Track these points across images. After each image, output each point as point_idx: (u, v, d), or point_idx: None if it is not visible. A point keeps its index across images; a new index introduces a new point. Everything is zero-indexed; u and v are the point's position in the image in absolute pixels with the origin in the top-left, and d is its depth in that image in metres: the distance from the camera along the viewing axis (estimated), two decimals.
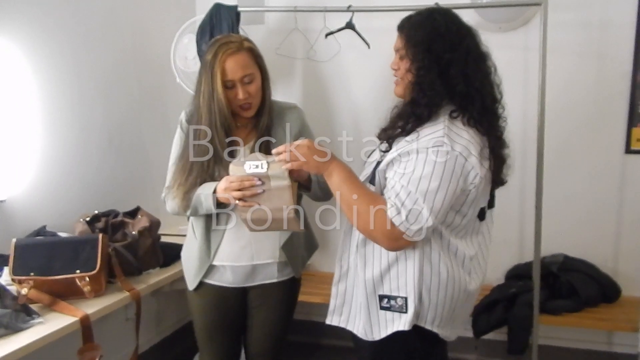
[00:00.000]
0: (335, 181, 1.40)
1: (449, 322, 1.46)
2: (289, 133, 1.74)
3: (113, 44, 2.46)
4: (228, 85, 1.62)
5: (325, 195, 1.74)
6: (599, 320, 2.36)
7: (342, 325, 1.54)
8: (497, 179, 1.46)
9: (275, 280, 1.79)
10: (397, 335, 1.43)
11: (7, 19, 1.97)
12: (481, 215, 1.47)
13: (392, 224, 1.29)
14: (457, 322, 1.51)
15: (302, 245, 1.85)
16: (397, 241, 1.32)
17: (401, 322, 1.41)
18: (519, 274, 2.57)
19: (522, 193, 2.61)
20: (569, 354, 2.63)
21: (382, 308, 1.44)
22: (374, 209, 1.32)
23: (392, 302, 1.42)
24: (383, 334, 1.45)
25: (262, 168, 1.49)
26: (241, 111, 1.67)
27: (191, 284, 1.80)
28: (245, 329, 1.89)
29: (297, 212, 1.53)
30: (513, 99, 2.46)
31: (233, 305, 1.82)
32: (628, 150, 2.47)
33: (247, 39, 1.69)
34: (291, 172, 1.51)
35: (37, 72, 2.10)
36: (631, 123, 2.45)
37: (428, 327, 1.43)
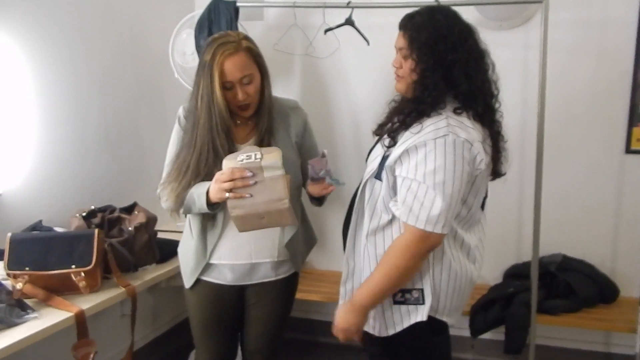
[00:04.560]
0: (369, 305, 1.45)
1: (457, 310, 1.51)
2: (292, 135, 1.74)
3: (111, 38, 2.44)
4: (227, 87, 1.60)
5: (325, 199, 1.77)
6: (597, 320, 2.36)
7: None
8: (496, 170, 1.50)
9: (273, 278, 1.78)
10: (409, 327, 1.46)
11: (3, 13, 1.95)
12: (482, 205, 1.53)
13: (412, 231, 1.33)
14: (461, 309, 1.55)
15: (302, 241, 1.84)
16: (429, 238, 1.35)
17: (418, 314, 1.45)
18: (516, 274, 2.57)
19: (521, 192, 2.60)
20: (566, 354, 2.63)
21: (395, 302, 1.46)
22: (398, 249, 1.37)
23: (407, 295, 1.45)
24: (398, 328, 1.47)
25: (255, 158, 1.47)
26: (240, 111, 1.66)
27: (188, 282, 1.79)
28: (242, 326, 1.88)
29: (290, 204, 1.50)
30: (513, 97, 2.49)
31: (230, 302, 1.81)
32: (628, 150, 2.45)
33: (245, 37, 1.66)
34: (310, 187, 1.54)
35: (34, 66, 2.09)
36: (631, 123, 2.43)
37: (439, 316, 1.47)
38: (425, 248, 1.37)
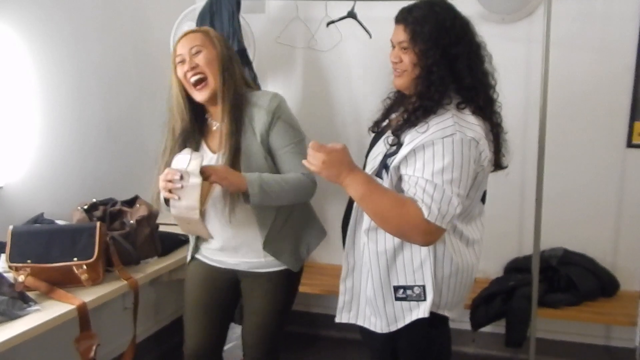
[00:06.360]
0: (353, 195, 1.38)
1: (458, 304, 1.51)
2: (256, 130, 1.66)
3: (112, 31, 2.43)
4: (180, 61, 1.64)
5: (279, 200, 1.66)
6: (597, 314, 2.36)
7: (352, 321, 1.55)
8: (498, 163, 1.51)
9: (264, 270, 1.77)
10: (411, 323, 1.45)
11: (6, 5, 1.95)
12: (483, 198, 1.52)
13: (426, 220, 1.30)
14: (462, 303, 1.55)
15: (296, 238, 1.80)
16: (433, 235, 1.34)
17: (420, 310, 1.44)
18: (518, 267, 2.57)
19: (523, 186, 2.60)
20: (567, 348, 2.64)
21: (397, 299, 1.45)
22: (405, 211, 1.32)
23: (409, 291, 1.44)
24: (400, 324, 1.46)
25: (184, 163, 1.52)
26: (196, 93, 1.63)
27: (188, 259, 1.88)
28: (232, 318, 1.90)
29: (202, 215, 1.56)
30: (515, 91, 2.48)
31: (220, 286, 1.82)
32: (630, 144, 2.45)
33: (212, 29, 1.71)
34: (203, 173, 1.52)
35: (36, 59, 2.08)
36: (633, 117, 2.43)
37: (440, 311, 1.46)
38: (424, 241, 1.36)
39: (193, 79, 1.61)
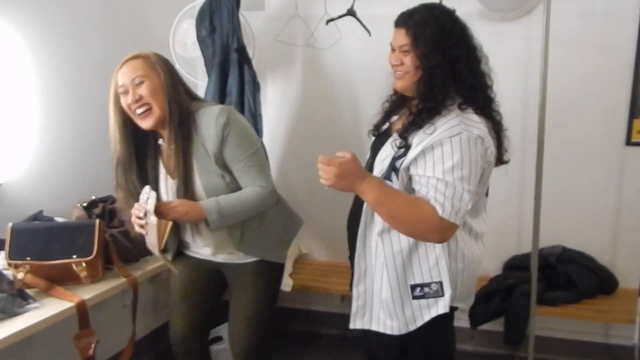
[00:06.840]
0: (368, 200, 1.40)
1: (469, 295, 1.56)
2: (209, 151, 1.64)
3: (112, 28, 2.43)
4: (123, 92, 1.60)
5: (239, 218, 1.69)
6: (596, 311, 2.37)
7: (366, 327, 1.56)
8: (500, 158, 1.54)
9: (244, 261, 1.80)
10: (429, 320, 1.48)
11: (6, 3, 1.94)
12: (486, 192, 1.56)
13: (441, 218, 1.33)
14: (473, 294, 1.59)
15: (275, 234, 1.82)
16: (447, 231, 1.36)
17: (439, 307, 1.46)
18: (517, 265, 2.58)
19: (522, 184, 2.60)
20: (566, 345, 2.64)
21: (415, 297, 1.47)
22: (419, 211, 1.35)
23: (426, 289, 1.46)
24: (419, 323, 1.48)
25: (144, 201, 1.58)
26: (140, 121, 1.62)
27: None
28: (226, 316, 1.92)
29: (165, 252, 1.65)
30: (514, 89, 2.49)
31: (204, 270, 1.85)
32: (629, 142, 2.45)
33: (153, 53, 1.66)
34: (160, 212, 1.56)
35: (36, 56, 2.08)
36: (632, 115, 2.43)
37: (454, 303, 1.49)
38: (439, 238, 1.38)
39: (139, 111, 1.60)
